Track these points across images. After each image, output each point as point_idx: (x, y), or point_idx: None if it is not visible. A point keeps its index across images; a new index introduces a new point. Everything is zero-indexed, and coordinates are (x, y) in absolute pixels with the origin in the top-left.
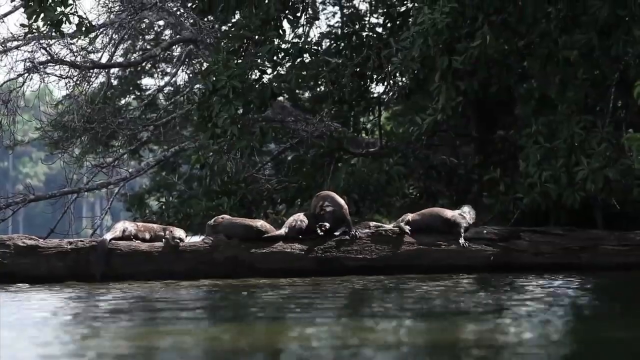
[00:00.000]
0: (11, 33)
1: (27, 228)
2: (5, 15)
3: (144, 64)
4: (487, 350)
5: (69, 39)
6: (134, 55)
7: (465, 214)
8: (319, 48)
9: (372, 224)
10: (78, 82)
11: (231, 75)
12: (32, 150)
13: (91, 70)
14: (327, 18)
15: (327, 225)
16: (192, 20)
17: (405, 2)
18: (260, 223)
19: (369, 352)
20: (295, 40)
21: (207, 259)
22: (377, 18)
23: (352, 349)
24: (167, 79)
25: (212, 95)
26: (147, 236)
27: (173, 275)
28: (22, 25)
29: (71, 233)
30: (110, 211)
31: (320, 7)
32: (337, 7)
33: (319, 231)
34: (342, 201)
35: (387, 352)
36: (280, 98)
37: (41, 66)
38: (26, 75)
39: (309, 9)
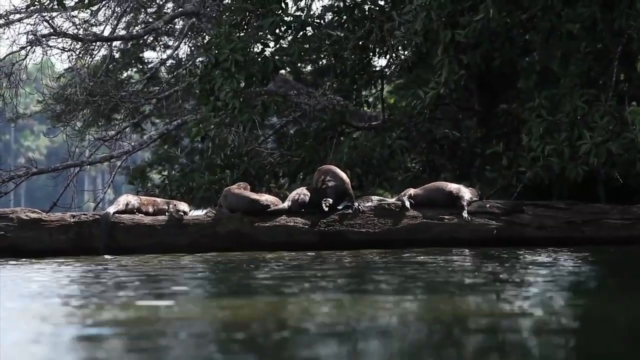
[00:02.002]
0: (13, 5)
1: (28, 202)
2: None
3: (146, 37)
4: (488, 324)
5: (71, 11)
6: (136, 28)
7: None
8: (322, 21)
9: (374, 197)
10: (80, 55)
11: (233, 48)
12: (34, 124)
13: (93, 43)
14: None
15: (331, 201)
16: None
17: None
18: (264, 197)
19: (370, 326)
20: (298, 13)
21: (210, 233)
22: None
23: (353, 322)
24: (169, 52)
25: (214, 68)
26: (150, 209)
27: (176, 248)
28: None
29: (73, 207)
30: (112, 185)
31: None
32: None
33: (324, 207)
34: (344, 175)
35: (388, 325)
36: (283, 71)
37: (44, 39)
38: (29, 48)
39: None
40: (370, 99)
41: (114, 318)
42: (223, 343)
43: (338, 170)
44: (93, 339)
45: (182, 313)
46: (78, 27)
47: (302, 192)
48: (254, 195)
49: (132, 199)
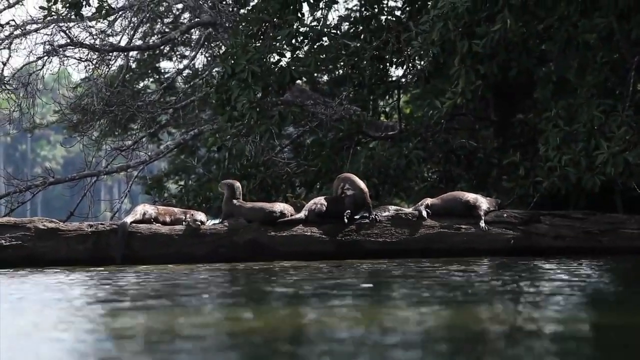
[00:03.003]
0: (30, 16)
1: (45, 211)
2: None
3: (162, 47)
4: (506, 334)
5: (88, 21)
6: (153, 38)
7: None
8: (338, 32)
9: (392, 207)
10: (97, 65)
11: (250, 58)
12: (50, 133)
13: (110, 53)
14: (346, 1)
15: (350, 212)
16: (210, 3)
17: None
18: (281, 207)
19: (388, 337)
20: (314, 23)
21: (227, 242)
22: (396, 1)
23: (371, 334)
24: (185, 62)
25: (231, 78)
26: (168, 219)
27: (193, 258)
28: (42, 7)
29: (90, 216)
30: (129, 194)
31: None
32: None
33: (345, 219)
34: (362, 184)
35: (406, 336)
36: (299, 82)
37: (60, 49)
38: (45, 58)
39: None
40: (387, 109)
41: (129, 327)
42: (239, 353)
43: (356, 179)
44: (108, 349)
45: (198, 322)
46: (95, 37)
47: (319, 202)
48: (270, 206)
49: (149, 209)
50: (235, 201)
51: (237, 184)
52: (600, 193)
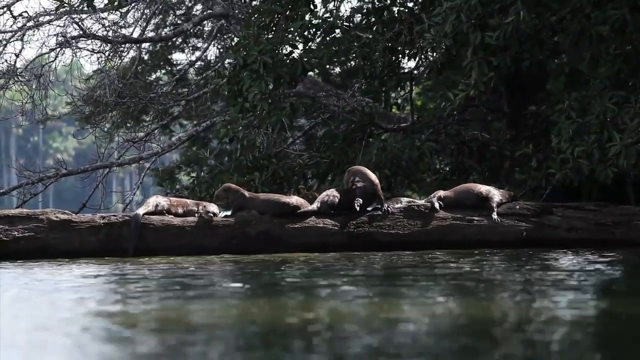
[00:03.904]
0: (43, 7)
1: (57, 203)
2: None
3: (174, 39)
4: (519, 326)
5: (100, 13)
6: (165, 30)
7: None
8: (350, 23)
9: (404, 199)
10: (109, 56)
11: (262, 50)
12: (62, 125)
13: (122, 45)
14: None
15: (361, 201)
16: None
17: None
18: (294, 199)
19: (401, 329)
20: (327, 15)
21: (240, 234)
22: None
23: (383, 325)
24: (198, 54)
25: (243, 70)
26: (180, 211)
27: (205, 250)
28: None
29: (102, 208)
30: (141, 186)
31: None
32: None
33: (355, 206)
34: (373, 176)
35: (419, 328)
36: (311, 73)
37: (73, 41)
38: (58, 49)
39: None
40: (399, 101)
41: (140, 317)
42: (252, 343)
43: (367, 171)
44: (122, 340)
45: (212, 314)
46: (107, 28)
47: (331, 194)
48: (283, 198)
49: (162, 200)
50: (247, 193)
51: (232, 185)
52: (613, 185)
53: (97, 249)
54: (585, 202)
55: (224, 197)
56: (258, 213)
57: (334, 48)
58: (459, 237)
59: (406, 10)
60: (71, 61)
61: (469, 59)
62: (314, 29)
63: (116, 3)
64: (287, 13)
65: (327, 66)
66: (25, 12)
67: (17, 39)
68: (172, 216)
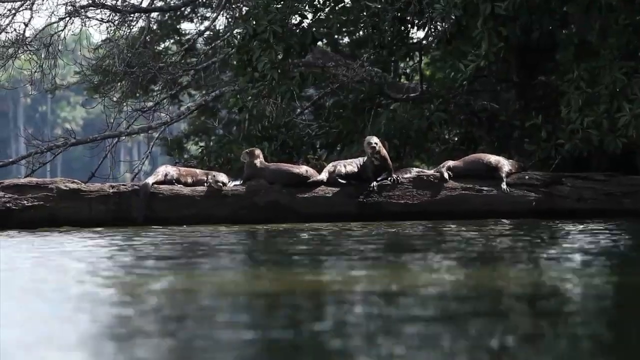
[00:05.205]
0: None
1: (64, 173)
2: None
3: (183, 9)
4: (526, 295)
5: None
6: None
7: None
8: None
9: (413, 169)
10: (118, 26)
11: (272, 19)
12: (71, 95)
13: (131, 15)
14: None
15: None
16: None
17: None
18: (304, 169)
19: (407, 298)
20: None
21: (249, 204)
22: None
23: (390, 294)
24: (206, 23)
25: (252, 39)
26: (189, 180)
27: (214, 219)
28: None
29: (110, 178)
30: (150, 156)
31: None
32: None
33: (374, 183)
34: (383, 151)
35: (425, 297)
36: (320, 43)
37: (82, 10)
38: (67, 19)
39: None
40: (408, 71)
41: (151, 288)
42: (260, 312)
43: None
44: (129, 309)
45: (215, 285)
46: None
47: (339, 164)
48: (294, 168)
49: (171, 170)
50: (258, 163)
51: (258, 150)
52: (622, 155)
53: (106, 218)
54: (595, 172)
55: (244, 158)
56: (267, 183)
57: (343, 18)
58: (468, 207)
59: None
60: (80, 30)
61: (479, 30)
62: None
63: None
64: None
65: (337, 36)
66: None
67: (26, 8)
68: (181, 185)
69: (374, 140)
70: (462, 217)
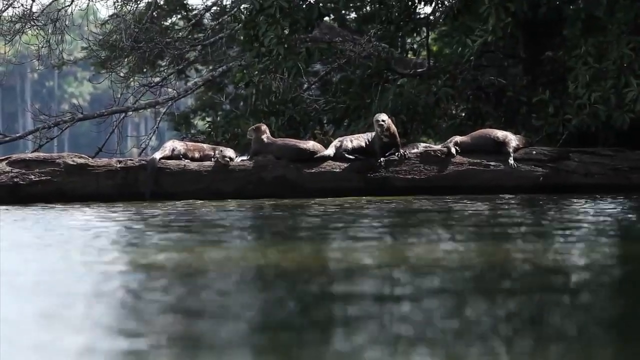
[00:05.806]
0: None
1: (71, 148)
2: None
3: None
4: (533, 270)
5: None
6: None
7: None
8: None
9: (421, 144)
10: (125, 1)
11: None
12: (77, 70)
13: None
14: None
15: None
16: None
17: None
18: (311, 144)
19: (413, 273)
20: None
21: (256, 179)
22: None
23: (397, 269)
24: None
25: (259, 14)
26: (197, 155)
27: (221, 194)
28: None
29: (118, 153)
30: (157, 131)
31: None
32: None
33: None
34: (393, 127)
35: (432, 272)
36: (327, 18)
37: None
38: None
39: None
40: (415, 46)
41: (161, 262)
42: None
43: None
44: (137, 283)
45: (221, 260)
46: None
47: (345, 139)
48: (301, 143)
49: (179, 145)
50: (265, 138)
51: (264, 125)
52: (630, 130)
53: (113, 193)
54: (602, 147)
55: (250, 135)
56: (275, 158)
57: None
58: (475, 182)
59: None
60: (87, 6)
61: (486, 5)
62: None
63: None
64: None
65: (343, 11)
66: None
67: None
68: (188, 160)
69: (383, 117)
70: (469, 192)
